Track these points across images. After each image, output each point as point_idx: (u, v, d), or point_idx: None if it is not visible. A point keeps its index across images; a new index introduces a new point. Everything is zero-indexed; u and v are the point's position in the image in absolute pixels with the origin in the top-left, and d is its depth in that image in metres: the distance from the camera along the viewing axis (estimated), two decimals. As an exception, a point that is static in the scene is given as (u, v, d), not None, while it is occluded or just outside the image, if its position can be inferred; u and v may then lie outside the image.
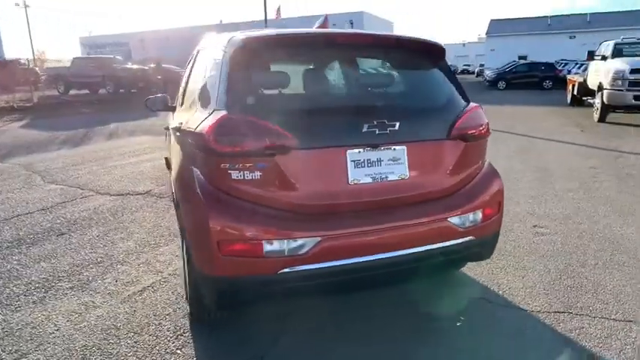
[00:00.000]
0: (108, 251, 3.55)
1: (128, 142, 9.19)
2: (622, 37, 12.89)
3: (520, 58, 34.50)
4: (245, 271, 1.95)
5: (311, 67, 2.41)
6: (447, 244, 2.21)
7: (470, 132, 2.31)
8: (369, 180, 2.08)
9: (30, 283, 3.02)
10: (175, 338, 2.38)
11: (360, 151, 2.06)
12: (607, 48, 12.25)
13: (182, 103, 3.30)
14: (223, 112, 1.98)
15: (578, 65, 22.97)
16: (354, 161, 2.06)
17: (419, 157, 2.18)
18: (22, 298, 2.82)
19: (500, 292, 2.85)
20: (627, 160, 6.70)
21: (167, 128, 3.61)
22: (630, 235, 3.75)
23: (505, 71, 26.51)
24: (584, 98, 13.90)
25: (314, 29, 2.29)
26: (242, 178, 1.95)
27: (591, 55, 12.55)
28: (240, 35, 2.22)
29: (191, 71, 3.27)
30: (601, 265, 3.20)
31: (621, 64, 10.84)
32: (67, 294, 2.88)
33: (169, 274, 3.13)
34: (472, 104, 2.43)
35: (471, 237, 2.27)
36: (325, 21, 2.94)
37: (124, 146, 8.60)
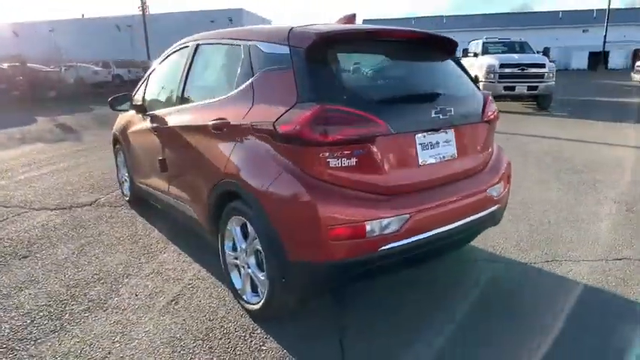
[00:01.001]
0: (100, 267, 3.19)
1: (23, 151, 7.96)
2: (485, 37, 15.12)
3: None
4: (350, 253, 2.04)
5: (378, 59, 2.54)
6: (486, 212, 2.57)
7: (492, 115, 2.70)
8: (432, 160, 2.32)
9: (29, 314, 2.60)
10: (250, 336, 2.33)
11: (424, 135, 2.29)
12: (477, 46, 14.29)
13: (181, 101, 3.13)
14: (314, 104, 2.03)
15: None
16: (421, 144, 2.28)
17: (462, 138, 2.49)
18: (34, 330, 2.44)
19: (497, 252, 3.33)
20: (518, 139, 8.00)
21: (156, 130, 3.36)
22: (550, 197, 4.62)
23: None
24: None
25: (364, 25, 2.40)
26: (339, 165, 2.04)
27: (465, 53, 14.44)
28: (309, 29, 2.27)
29: (191, 67, 3.10)
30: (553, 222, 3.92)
31: (492, 59, 12.74)
32: (87, 316, 2.56)
33: (192, 280, 2.97)
34: (484, 92, 2.83)
35: (498, 205, 2.67)
36: (353, 18, 3.01)
37: (22, 156, 7.44)
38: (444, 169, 2.39)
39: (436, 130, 2.33)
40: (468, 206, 2.43)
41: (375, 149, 2.09)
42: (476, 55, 13.94)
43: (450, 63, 2.74)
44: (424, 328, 2.38)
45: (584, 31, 36.86)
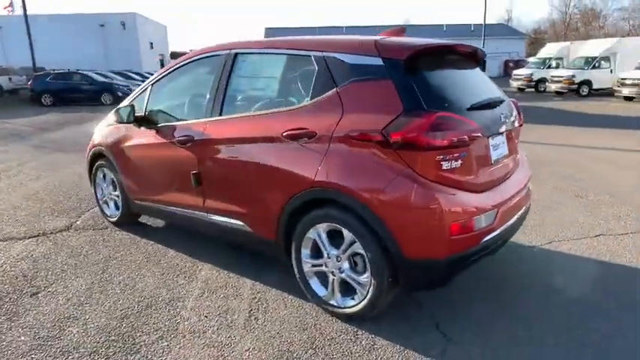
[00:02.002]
0: (138, 293, 2.92)
1: None
2: None
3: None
4: (462, 247, 2.23)
5: (451, 70, 2.71)
6: (529, 202, 2.96)
7: (522, 119, 3.11)
8: (497, 158, 2.62)
9: (96, 352, 2.32)
10: (356, 338, 2.38)
11: (493, 137, 2.58)
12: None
13: (220, 112, 3.02)
14: (425, 112, 2.18)
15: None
16: (492, 145, 2.56)
17: (509, 140, 2.84)
18: (117, 367, 2.20)
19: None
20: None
21: (185, 142, 3.17)
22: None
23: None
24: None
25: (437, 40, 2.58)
26: (449, 167, 2.22)
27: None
28: (398, 42, 2.41)
29: (231, 76, 3.00)
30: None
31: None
32: (167, 345, 2.37)
33: (253, 294, 2.88)
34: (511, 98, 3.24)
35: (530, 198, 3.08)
36: (403, 31, 3.11)
37: None
38: (503, 168, 2.70)
39: (501, 133, 2.64)
40: (522, 198, 2.79)
41: (472, 151, 2.32)
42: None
43: (481, 72, 3.09)
44: (494, 300, 2.67)
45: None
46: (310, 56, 2.64)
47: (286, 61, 2.85)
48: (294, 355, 2.27)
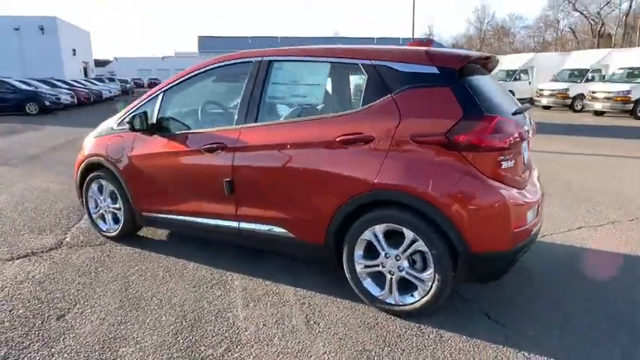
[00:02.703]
0: (179, 308, 2.79)
1: None
2: None
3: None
4: (521, 239, 2.44)
5: (485, 77, 2.89)
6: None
7: None
8: (527, 160, 2.89)
9: (164, 369, 2.20)
10: (422, 332, 2.49)
11: (525, 140, 2.84)
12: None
13: (256, 119, 3.01)
14: (487, 115, 2.37)
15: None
16: (524, 147, 2.83)
17: (528, 144, 3.13)
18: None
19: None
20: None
21: (215, 149, 3.10)
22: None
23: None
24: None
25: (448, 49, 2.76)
26: (507, 166, 2.43)
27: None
28: (449, 52, 2.58)
29: (267, 84, 3.00)
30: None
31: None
32: (237, 356, 2.31)
33: (300, 298, 2.88)
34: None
35: None
36: (430, 42, 3.25)
37: None
38: (527, 169, 2.98)
39: (528, 138, 2.92)
40: (542, 197, 3.09)
41: (519, 152, 2.56)
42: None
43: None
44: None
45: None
46: (358, 64, 2.73)
47: (330, 69, 2.92)
48: (372, 353, 2.33)
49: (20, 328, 2.58)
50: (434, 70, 2.53)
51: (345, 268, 2.79)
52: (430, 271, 2.50)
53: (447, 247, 2.43)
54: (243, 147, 3.00)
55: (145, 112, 3.42)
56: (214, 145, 3.10)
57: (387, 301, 2.68)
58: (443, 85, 2.49)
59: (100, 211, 4.01)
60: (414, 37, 32.21)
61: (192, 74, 3.44)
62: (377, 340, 2.43)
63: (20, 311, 2.77)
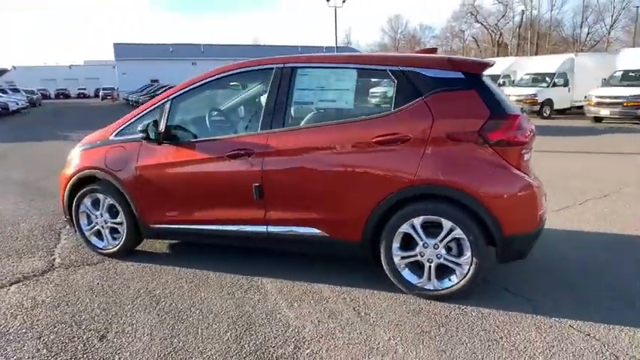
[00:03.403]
0: (231, 316, 2.77)
1: None
2: None
3: (152, 81, 36.53)
4: (541, 221, 2.81)
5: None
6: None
7: None
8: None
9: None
10: (465, 313, 2.75)
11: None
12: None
13: (283, 124, 3.09)
14: (511, 114, 2.71)
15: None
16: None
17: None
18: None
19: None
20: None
21: (241, 155, 3.12)
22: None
23: (156, 94, 27.66)
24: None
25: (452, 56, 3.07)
26: (527, 158, 2.79)
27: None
28: (471, 59, 2.88)
29: (292, 90, 3.10)
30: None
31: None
32: (314, 351, 2.38)
33: (346, 294, 3.00)
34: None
35: None
36: (435, 50, 3.44)
37: None
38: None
39: None
40: None
41: (531, 145, 2.94)
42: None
43: None
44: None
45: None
46: (386, 70, 2.95)
47: (357, 75, 3.09)
48: (432, 333, 2.54)
49: (63, 353, 2.41)
50: (459, 75, 2.82)
51: (383, 261, 2.97)
52: (467, 255, 2.77)
53: (482, 233, 2.72)
54: (274, 152, 3.06)
55: (156, 121, 3.33)
56: (242, 151, 3.12)
57: (426, 287, 2.91)
58: (469, 88, 2.79)
59: (95, 228, 3.78)
60: (337, 45, 33.33)
61: (204, 82, 3.42)
62: (430, 322, 2.65)
63: (52, 337, 2.58)
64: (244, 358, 2.36)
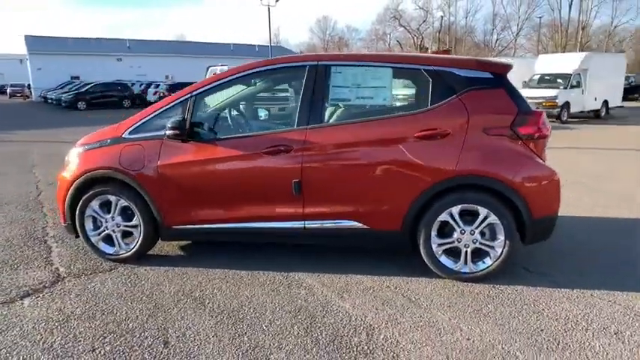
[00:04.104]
0: (292, 308, 2.78)
1: None
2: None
3: (73, 78, 33.69)
4: (559, 205, 3.16)
5: None
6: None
7: None
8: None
9: (332, 362, 2.27)
10: (501, 292, 3.01)
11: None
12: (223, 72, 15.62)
13: (320, 120, 3.16)
14: (534, 111, 3.02)
15: (155, 85, 26.00)
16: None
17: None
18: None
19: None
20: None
21: (279, 152, 3.12)
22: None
23: (82, 92, 25.62)
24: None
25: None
26: (546, 149, 3.13)
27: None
28: (492, 60, 3.14)
29: (328, 87, 3.17)
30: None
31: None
32: (401, 333, 2.49)
33: (391, 283, 3.13)
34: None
35: None
36: (449, 52, 3.57)
37: None
38: None
39: None
40: None
41: (547, 138, 3.29)
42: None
43: None
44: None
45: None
46: (420, 69, 3.14)
47: (392, 73, 3.23)
48: (485, 309, 2.77)
49: (130, 363, 2.28)
50: (488, 75, 3.09)
51: (421, 249, 3.15)
52: (501, 238, 3.05)
53: (514, 217, 3.01)
54: (313, 147, 3.11)
55: (184, 118, 3.21)
56: (281, 147, 3.13)
57: (463, 270, 3.14)
58: (497, 87, 3.07)
59: (105, 232, 3.53)
60: (271, 44, 33.20)
61: (231, 78, 3.37)
62: (476, 302, 2.88)
63: (107, 348, 2.42)
64: (324, 348, 2.40)
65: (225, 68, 15.79)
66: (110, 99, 25.92)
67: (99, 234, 3.55)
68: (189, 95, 3.37)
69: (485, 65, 3.14)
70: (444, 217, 3.08)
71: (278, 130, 3.26)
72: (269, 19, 32.54)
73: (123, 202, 3.44)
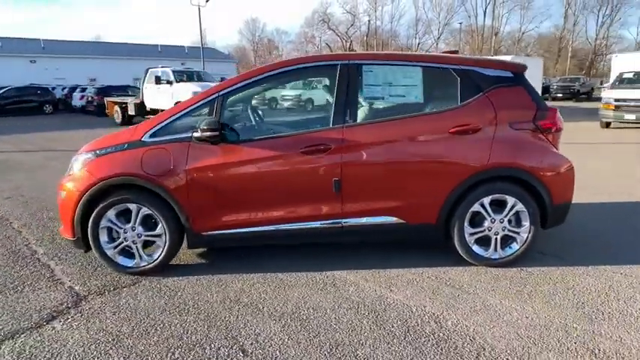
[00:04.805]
0: (366, 308, 2.78)
1: None
2: (161, 65, 15.96)
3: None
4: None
5: None
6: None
7: None
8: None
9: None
10: (527, 273, 3.26)
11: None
12: (168, 75, 14.93)
13: (355, 118, 3.21)
14: (550, 107, 3.31)
15: (82, 89, 24.03)
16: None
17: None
18: None
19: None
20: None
21: (318, 151, 3.12)
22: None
23: (-7, 97, 23.01)
24: (146, 116, 16.27)
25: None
26: (559, 142, 3.44)
27: (158, 80, 14.76)
28: (510, 61, 3.36)
29: (360, 86, 3.24)
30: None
31: (193, 86, 13.91)
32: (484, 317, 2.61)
33: (428, 273, 3.25)
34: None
35: None
36: (456, 52, 3.62)
37: None
38: None
39: None
40: None
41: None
42: (170, 82, 14.63)
43: None
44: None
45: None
46: (449, 69, 3.31)
47: (423, 72, 3.36)
48: (525, 292, 2.98)
49: (219, 374, 2.17)
50: (509, 74, 3.34)
51: (455, 239, 3.32)
52: (526, 224, 3.30)
53: (537, 204, 3.28)
54: (351, 145, 3.15)
55: (217, 121, 3.09)
56: (320, 146, 3.13)
57: (493, 257, 3.35)
58: (518, 85, 3.33)
59: (123, 244, 3.28)
60: (202, 45, 32.27)
61: (260, 77, 3.30)
62: (514, 284, 3.09)
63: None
64: (404, 339, 2.46)
65: (169, 70, 15.13)
66: (28, 104, 23.56)
67: (115, 246, 3.29)
68: (216, 95, 3.25)
69: (507, 65, 3.40)
70: (476, 207, 3.27)
71: (314, 130, 3.25)
72: (199, 20, 31.59)
73: (145, 210, 3.22)
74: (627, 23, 76.95)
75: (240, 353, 2.35)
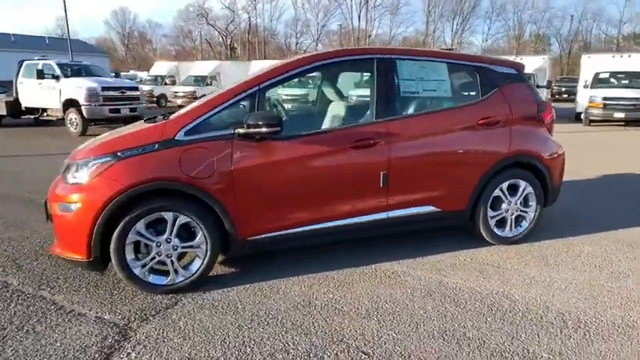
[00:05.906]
0: (449, 299, 2.84)
1: None
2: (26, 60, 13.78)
3: None
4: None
5: None
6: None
7: None
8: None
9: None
10: (531, 251, 3.70)
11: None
12: (51, 68, 12.90)
13: (393, 112, 3.28)
14: (545, 102, 3.79)
15: None
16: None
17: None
18: None
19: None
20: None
21: (366, 146, 3.10)
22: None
23: None
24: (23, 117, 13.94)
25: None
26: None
27: (41, 75, 12.68)
28: (510, 60, 3.75)
29: (397, 81, 3.31)
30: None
31: (90, 82, 12.32)
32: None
33: (459, 257, 3.46)
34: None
35: None
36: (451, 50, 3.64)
37: None
38: None
39: None
40: None
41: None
42: (56, 77, 12.71)
43: None
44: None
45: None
46: (470, 65, 3.57)
47: (448, 68, 3.54)
48: (549, 260, 3.40)
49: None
50: (514, 71, 3.73)
51: (480, 223, 3.61)
52: (533, 204, 3.74)
53: (541, 186, 3.75)
54: (396, 139, 3.22)
55: (277, 114, 2.88)
56: (370, 141, 3.12)
57: (508, 236, 3.73)
58: (521, 81, 3.74)
59: (155, 260, 2.86)
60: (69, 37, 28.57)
61: (295, 71, 3.15)
62: (536, 259, 3.47)
63: (312, 375, 2.11)
64: (495, 317, 2.62)
65: (52, 63, 13.10)
66: None
67: (143, 265, 2.85)
68: (257, 88, 3.01)
69: (512, 63, 3.78)
70: (496, 192, 3.60)
71: (360, 124, 3.23)
72: (65, 8, 27.75)
73: (183, 219, 2.85)
74: (475, 32, 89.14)
75: (363, 355, 2.26)
